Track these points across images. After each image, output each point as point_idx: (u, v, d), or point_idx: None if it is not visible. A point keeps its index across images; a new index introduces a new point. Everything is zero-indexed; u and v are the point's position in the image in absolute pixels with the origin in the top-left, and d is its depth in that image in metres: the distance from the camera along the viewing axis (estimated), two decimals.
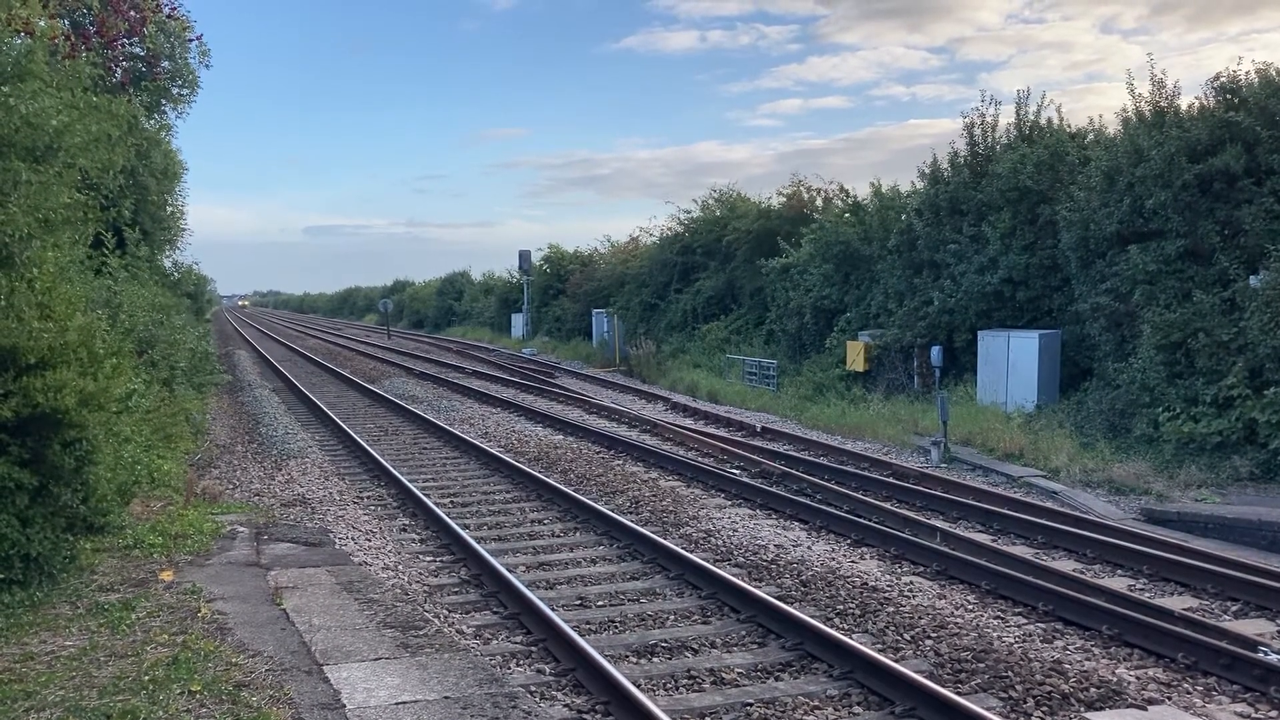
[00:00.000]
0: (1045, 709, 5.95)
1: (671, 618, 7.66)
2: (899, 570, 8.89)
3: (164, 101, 19.87)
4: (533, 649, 6.96)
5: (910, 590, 8.24)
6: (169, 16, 17.47)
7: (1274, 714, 5.93)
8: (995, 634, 7.20)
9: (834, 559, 9.20)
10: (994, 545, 9.40)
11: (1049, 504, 11.50)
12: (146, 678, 5.37)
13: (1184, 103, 15.33)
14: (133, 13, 15.41)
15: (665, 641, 7.07)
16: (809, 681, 6.39)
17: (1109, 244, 15.36)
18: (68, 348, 6.95)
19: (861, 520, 10.31)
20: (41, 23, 9.53)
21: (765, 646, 7.01)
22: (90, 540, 8.04)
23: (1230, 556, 8.95)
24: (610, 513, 10.59)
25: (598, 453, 15.17)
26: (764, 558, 9.27)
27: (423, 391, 24.16)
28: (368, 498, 12.25)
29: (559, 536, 10.21)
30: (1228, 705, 6.05)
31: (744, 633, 7.27)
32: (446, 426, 17.38)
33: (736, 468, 13.72)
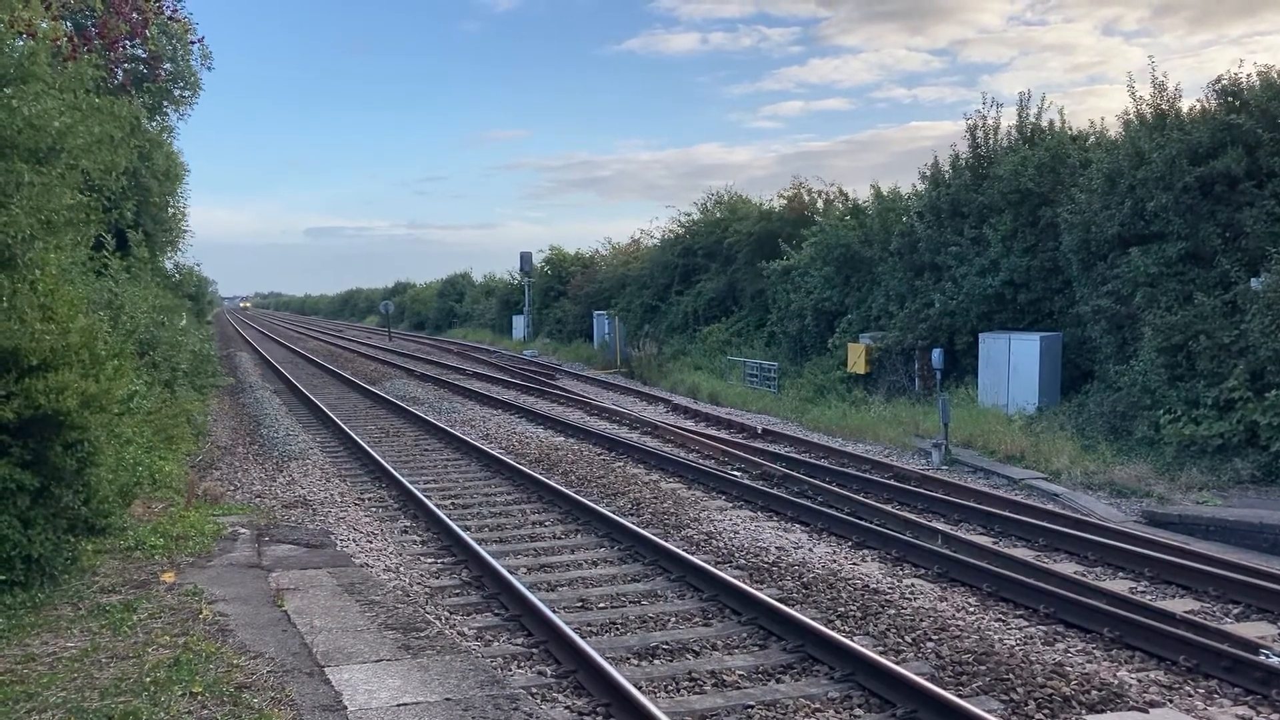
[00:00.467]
0: (1046, 711, 5.95)
1: (673, 620, 7.67)
2: (900, 572, 8.89)
3: (166, 103, 19.86)
4: (534, 651, 6.97)
5: (911, 592, 8.24)
6: (171, 18, 17.45)
7: (1275, 717, 5.93)
8: (996, 636, 7.20)
9: (835, 561, 9.20)
10: (995, 547, 9.40)
11: (1050, 506, 11.49)
12: (148, 679, 5.38)
13: (1185, 105, 15.35)
14: (135, 14, 15.39)
15: (666, 643, 7.08)
16: (810, 684, 6.39)
17: (1110, 246, 15.37)
18: (70, 349, 6.97)
19: (863, 522, 10.31)
20: (44, 25, 9.52)
21: (766, 648, 7.01)
22: (92, 542, 8.06)
23: (1231, 559, 8.95)
24: (611, 515, 10.59)
25: (599, 455, 15.17)
26: (765, 560, 9.27)
27: (424, 393, 24.17)
28: (369, 499, 12.26)
29: (560, 538, 10.22)
30: (1229, 708, 6.04)
31: (745, 635, 7.27)
32: (447, 428, 17.39)
33: (737, 470, 13.73)
